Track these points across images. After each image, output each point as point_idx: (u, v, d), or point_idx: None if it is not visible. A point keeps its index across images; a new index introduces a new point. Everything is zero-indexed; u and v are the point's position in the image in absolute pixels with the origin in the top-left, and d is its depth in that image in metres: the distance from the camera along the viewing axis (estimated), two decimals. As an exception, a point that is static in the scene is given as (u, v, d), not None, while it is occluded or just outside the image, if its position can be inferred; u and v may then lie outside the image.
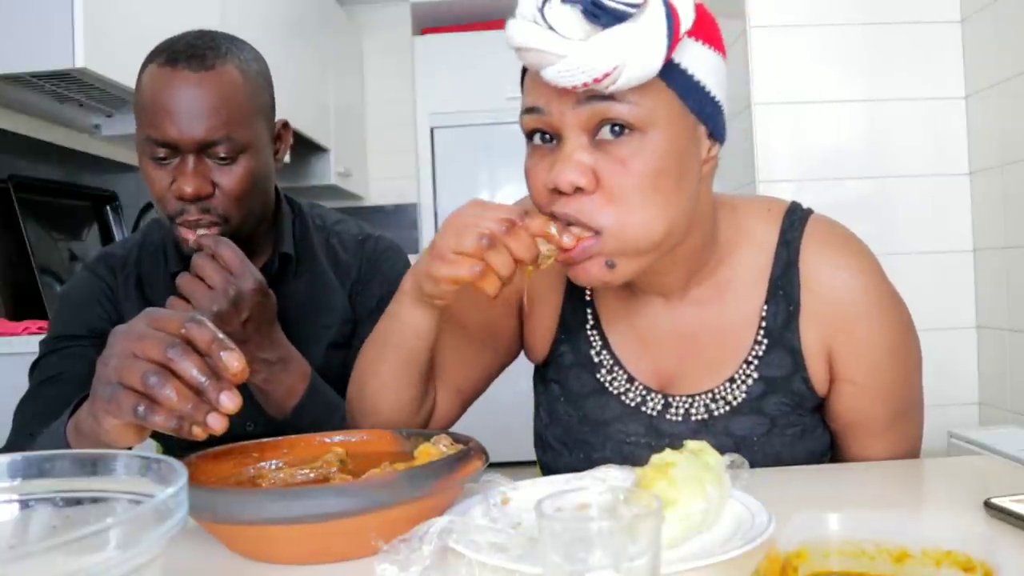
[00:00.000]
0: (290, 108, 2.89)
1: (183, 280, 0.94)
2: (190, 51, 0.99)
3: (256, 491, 0.71)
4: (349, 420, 0.96)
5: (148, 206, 2.37)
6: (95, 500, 0.49)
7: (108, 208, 2.36)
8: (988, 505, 0.68)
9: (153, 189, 1.01)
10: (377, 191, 4.11)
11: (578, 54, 0.70)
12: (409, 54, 4.13)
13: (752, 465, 0.85)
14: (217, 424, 0.64)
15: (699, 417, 0.89)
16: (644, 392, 0.91)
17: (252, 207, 1.03)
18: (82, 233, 2.27)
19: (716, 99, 0.79)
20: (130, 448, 0.68)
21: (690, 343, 0.90)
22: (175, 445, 1.14)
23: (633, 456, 0.89)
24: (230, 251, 0.95)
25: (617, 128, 0.74)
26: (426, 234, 4.14)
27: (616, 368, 0.92)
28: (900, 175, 2.21)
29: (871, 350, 0.87)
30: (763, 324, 0.88)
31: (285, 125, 1.12)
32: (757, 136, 2.18)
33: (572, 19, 0.70)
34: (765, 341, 0.88)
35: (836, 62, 2.19)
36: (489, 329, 0.98)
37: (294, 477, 0.78)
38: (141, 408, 0.64)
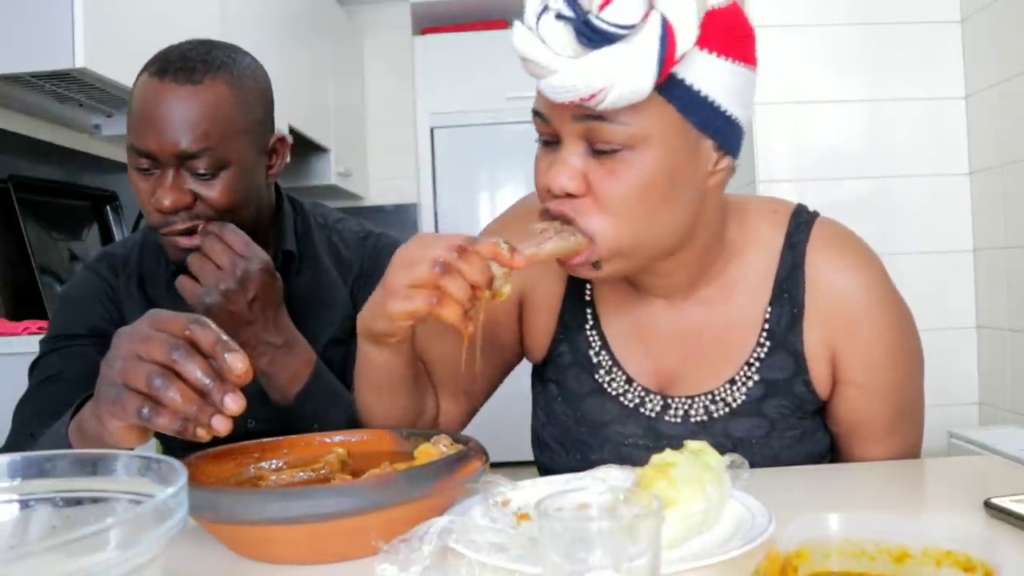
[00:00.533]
0: (290, 108, 2.91)
1: (193, 259, 0.96)
2: (180, 63, 0.98)
3: (256, 491, 0.71)
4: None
5: (148, 206, 2.36)
6: (95, 500, 0.50)
7: (108, 208, 2.37)
8: (988, 505, 0.68)
9: (139, 199, 1.02)
10: (377, 191, 4.11)
11: (567, 71, 0.70)
12: (409, 54, 4.12)
13: (750, 467, 0.85)
14: (222, 426, 0.64)
15: (698, 419, 0.89)
16: (643, 393, 0.91)
17: (241, 218, 1.03)
18: (82, 233, 2.27)
19: (727, 112, 0.77)
20: (133, 449, 0.68)
21: (692, 344, 0.90)
22: (176, 445, 1.14)
23: (631, 457, 0.88)
24: (235, 235, 0.96)
25: (604, 146, 0.75)
26: (426, 234, 4.13)
27: (615, 369, 0.92)
28: (900, 175, 2.21)
29: (874, 351, 0.87)
30: (766, 326, 0.88)
31: (282, 140, 1.10)
32: (757, 136, 2.17)
33: (563, 36, 0.70)
34: (767, 343, 0.88)
35: (836, 62, 2.19)
36: (490, 331, 0.98)
37: (295, 478, 0.78)
38: (145, 410, 0.64)
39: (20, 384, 1.08)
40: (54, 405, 0.92)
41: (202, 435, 0.64)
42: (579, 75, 0.70)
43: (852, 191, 2.19)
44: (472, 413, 1.03)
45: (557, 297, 0.97)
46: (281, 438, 0.83)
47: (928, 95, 2.20)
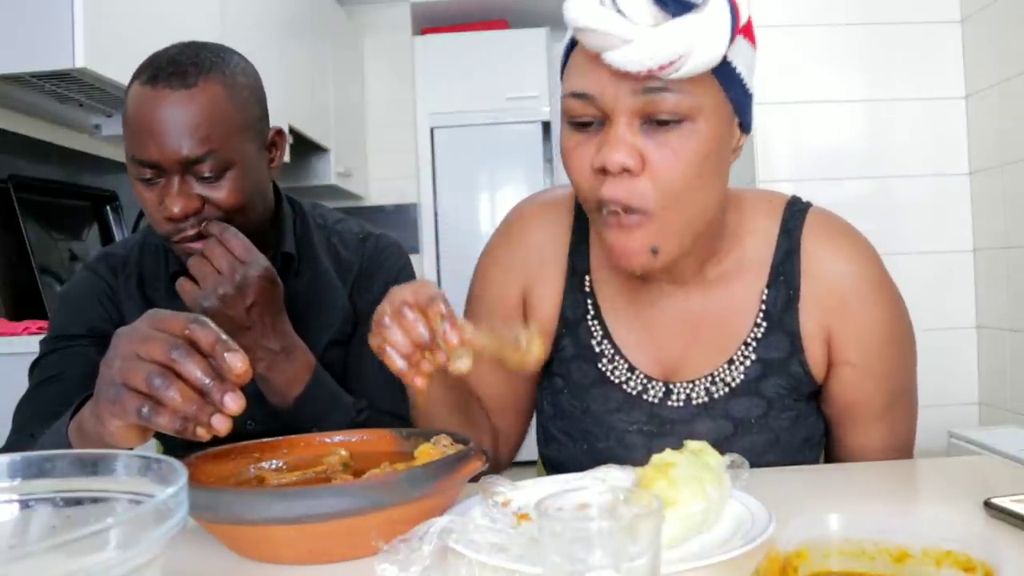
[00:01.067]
0: (290, 108, 2.91)
1: (193, 261, 0.95)
2: (171, 68, 0.97)
3: (257, 491, 0.71)
4: None
5: (148, 206, 2.36)
6: (95, 500, 0.49)
7: (108, 208, 2.36)
8: (988, 505, 0.68)
9: (145, 209, 1.01)
10: (377, 191, 4.11)
11: (646, 40, 0.71)
12: (409, 54, 4.12)
13: (752, 447, 0.88)
14: (221, 425, 0.64)
15: (699, 401, 0.91)
16: (645, 380, 0.93)
17: (249, 216, 1.02)
18: (82, 233, 2.27)
19: (750, 91, 0.82)
20: (132, 449, 0.68)
21: (693, 330, 0.92)
22: (176, 445, 1.14)
23: (636, 444, 0.91)
24: (236, 239, 0.95)
25: (664, 116, 0.76)
26: (426, 234, 4.14)
27: (617, 357, 0.94)
28: (900, 175, 2.21)
29: (868, 331, 0.89)
30: (763, 308, 0.90)
31: (279, 133, 1.10)
32: (757, 136, 2.18)
33: (641, 4, 0.72)
34: (764, 324, 0.90)
35: (836, 62, 2.19)
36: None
37: (295, 479, 0.78)
38: (145, 409, 0.64)
39: (20, 384, 1.07)
40: (54, 405, 0.92)
41: (202, 434, 0.64)
42: (660, 43, 0.71)
43: (852, 191, 2.19)
44: (526, 425, 1.05)
45: (558, 292, 0.97)
46: (281, 438, 0.83)
47: (928, 95, 2.20)
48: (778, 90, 2.17)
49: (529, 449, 1.06)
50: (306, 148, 3.28)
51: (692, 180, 0.78)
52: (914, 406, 0.96)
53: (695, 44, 0.72)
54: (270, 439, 0.82)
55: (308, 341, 1.06)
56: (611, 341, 0.94)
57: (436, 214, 4.17)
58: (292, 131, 2.91)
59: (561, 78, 0.83)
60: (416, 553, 0.57)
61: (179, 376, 0.64)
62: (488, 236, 1.05)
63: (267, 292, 0.97)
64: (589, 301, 0.96)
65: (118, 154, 2.42)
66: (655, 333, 0.93)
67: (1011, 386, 2.09)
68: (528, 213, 1.02)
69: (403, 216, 4.10)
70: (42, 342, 1.10)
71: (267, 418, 1.06)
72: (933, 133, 2.20)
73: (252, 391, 1.02)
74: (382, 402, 1.09)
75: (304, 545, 0.64)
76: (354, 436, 0.84)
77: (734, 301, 0.91)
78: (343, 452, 0.81)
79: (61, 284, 2.04)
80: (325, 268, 1.16)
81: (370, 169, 4.09)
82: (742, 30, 0.77)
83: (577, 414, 0.95)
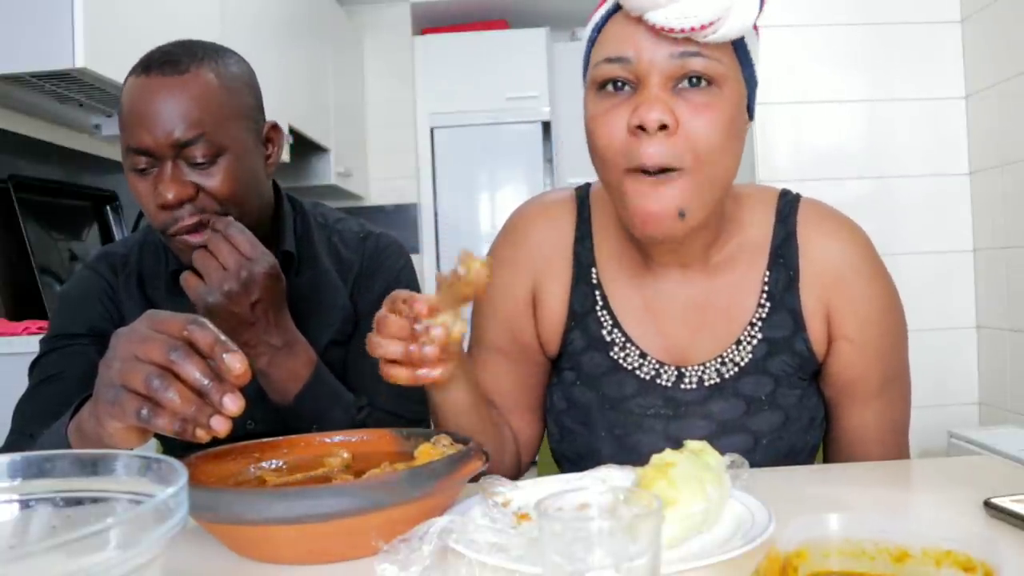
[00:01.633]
0: (290, 108, 2.91)
1: (198, 255, 0.95)
2: (164, 58, 0.98)
3: (256, 491, 0.70)
4: None
5: (148, 206, 2.36)
6: (95, 500, 0.49)
7: (108, 208, 2.36)
8: (988, 505, 0.68)
9: (140, 202, 1.00)
10: (377, 191, 4.11)
11: (690, 1, 0.76)
12: (409, 54, 4.12)
13: (765, 425, 0.91)
14: (221, 426, 0.64)
15: (711, 382, 0.93)
16: (657, 366, 0.95)
17: (245, 208, 1.02)
18: (82, 233, 2.27)
19: (756, 77, 0.87)
20: (132, 449, 0.68)
21: (700, 314, 0.94)
22: (176, 445, 1.14)
23: (654, 428, 0.93)
24: (241, 235, 0.95)
25: (695, 79, 0.81)
26: (426, 234, 4.14)
27: (628, 345, 0.95)
28: (900, 175, 2.21)
29: (864, 306, 0.93)
30: (765, 289, 0.94)
31: (275, 127, 1.10)
32: (757, 136, 2.18)
33: None
34: (768, 304, 0.94)
35: (836, 62, 2.19)
36: (519, 341, 1.01)
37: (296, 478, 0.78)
38: (144, 411, 0.64)
39: (20, 384, 1.07)
40: (54, 405, 0.92)
41: (201, 436, 0.64)
42: (704, 4, 0.77)
43: (852, 191, 2.19)
44: (540, 425, 1.06)
45: (565, 287, 0.99)
46: (281, 438, 0.83)
47: (928, 95, 2.20)
48: (779, 90, 2.17)
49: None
50: (306, 148, 3.28)
51: (721, 141, 0.82)
52: (908, 389, 1.00)
53: (731, 9, 0.78)
54: (270, 439, 0.82)
55: (308, 340, 1.06)
56: (621, 330, 0.96)
57: (436, 214, 4.17)
58: (292, 131, 2.91)
59: (588, 54, 0.87)
60: (416, 553, 0.57)
61: (178, 377, 0.64)
62: (488, 236, 1.06)
63: (272, 288, 0.97)
64: (597, 292, 0.97)
65: (118, 154, 2.40)
66: (663, 320, 0.95)
67: (1011, 386, 2.09)
68: (531, 213, 1.03)
69: (403, 216, 4.10)
70: (42, 341, 1.10)
71: (267, 418, 1.06)
72: (933, 133, 2.20)
73: (252, 392, 1.02)
74: (383, 401, 1.09)
75: (304, 545, 0.64)
76: (354, 436, 0.84)
77: (737, 284, 0.94)
78: (345, 454, 0.81)
79: (61, 284, 2.04)
80: (325, 267, 1.16)
81: (370, 169, 4.09)
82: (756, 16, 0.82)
83: (593, 403, 0.96)
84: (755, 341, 0.93)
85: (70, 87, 1.80)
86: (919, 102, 2.20)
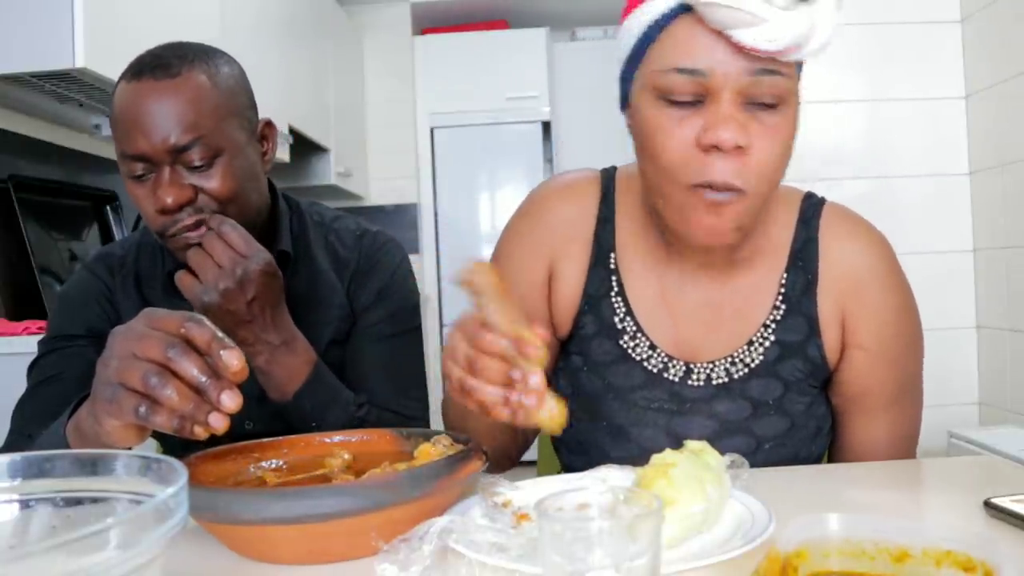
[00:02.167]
0: (290, 108, 2.91)
1: (193, 254, 0.94)
2: (155, 62, 0.97)
3: (256, 491, 0.70)
4: None
5: (148, 206, 2.36)
6: (95, 500, 0.49)
7: (108, 208, 2.36)
8: (988, 505, 0.68)
9: (139, 207, 1.00)
10: (377, 191, 4.11)
11: (780, 21, 0.75)
12: (409, 54, 4.12)
13: (770, 430, 0.90)
14: (219, 423, 0.64)
15: (719, 381, 0.92)
16: (665, 359, 0.94)
17: (244, 207, 1.02)
18: (82, 233, 2.27)
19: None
20: (131, 448, 0.68)
21: (715, 312, 0.94)
22: (175, 444, 1.14)
23: (656, 423, 0.92)
24: (236, 233, 0.95)
25: (768, 99, 0.79)
26: (426, 234, 4.14)
27: (639, 335, 0.95)
28: (900, 175, 2.21)
29: (881, 315, 0.92)
30: (782, 291, 0.93)
31: (268, 124, 1.10)
32: (757, 136, 2.17)
33: None
34: (783, 307, 0.93)
35: (835, 62, 2.19)
36: (532, 319, 0.98)
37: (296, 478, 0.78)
38: (142, 409, 0.64)
39: (20, 384, 1.07)
40: (53, 406, 0.92)
41: (199, 433, 0.64)
42: (792, 25, 0.75)
43: (852, 191, 2.18)
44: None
45: (582, 269, 0.98)
46: (281, 438, 0.83)
47: (927, 95, 2.20)
48: (778, 90, 2.17)
49: (529, 449, 1.06)
50: (306, 148, 3.28)
51: (783, 162, 0.83)
52: (919, 400, 0.98)
53: (816, 30, 0.77)
54: (270, 439, 0.82)
55: (308, 340, 1.06)
56: (633, 319, 0.95)
57: (436, 214, 4.17)
58: (292, 131, 2.91)
59: (642, 47, 0.82)
60: (416, 553, 0.57)
61: (175, 375, 0.64)
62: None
63: (268, 286, 0.96)
64: (614, 278, 0.96)
65: (118, 154, 2.41)
66: (678, 314, 0.95)
67: (1011, 386, 2.09)
68: (552, 192, 1.02)
69: (403, 216, 4.10)
70: (40, 342, 1.10)
71: (266, 418, 1.06)
72: (933, 133, 2.20)
73: (250, 392, 1.02)
74: (381, 399, 1.09)
75: (304, 545, 0.64)
76: (354, 436, 0.84)
77: (755, 284, 0.94)
78: (345, 455, 0.81)
79: (61, 284, 2.04)
80: (322, 266, 1.16)
81: (370, 169, 4.09)
82: None
83: (598, 391, 0.95)
84: (767, 343, 0.92)
85: (70, 87, 1.80)
86: (918, 102, 2.20)
